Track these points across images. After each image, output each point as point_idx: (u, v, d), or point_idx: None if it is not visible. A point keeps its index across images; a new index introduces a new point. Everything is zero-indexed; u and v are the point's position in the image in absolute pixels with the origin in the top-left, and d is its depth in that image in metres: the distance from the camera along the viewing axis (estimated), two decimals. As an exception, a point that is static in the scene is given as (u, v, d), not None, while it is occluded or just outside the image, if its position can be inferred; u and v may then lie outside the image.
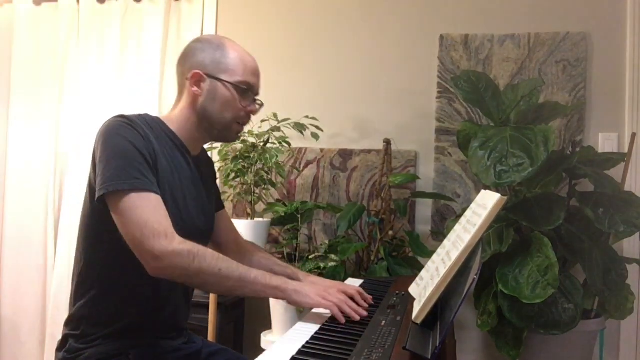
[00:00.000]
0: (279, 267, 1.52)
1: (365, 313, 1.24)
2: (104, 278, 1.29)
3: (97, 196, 1.19)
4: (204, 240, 1.42)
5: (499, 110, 2.18)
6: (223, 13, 2.82)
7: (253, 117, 1.44)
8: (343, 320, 1.21)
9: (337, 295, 1.28)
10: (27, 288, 2.90)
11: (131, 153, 1.21)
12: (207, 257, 1.20)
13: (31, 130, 2.95)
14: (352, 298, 1.30)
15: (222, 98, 1.34)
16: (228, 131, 1.38)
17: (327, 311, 1.26)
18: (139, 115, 1.32)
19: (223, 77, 1.33)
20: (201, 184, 1.43)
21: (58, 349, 1.32)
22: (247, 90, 1.36)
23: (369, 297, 1.40)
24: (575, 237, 2.06)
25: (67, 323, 1.32)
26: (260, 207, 2.51)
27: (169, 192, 1.27)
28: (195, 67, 1.34)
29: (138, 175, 1.19)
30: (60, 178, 2.90)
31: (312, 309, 1.32)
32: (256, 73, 1.39)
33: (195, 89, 1.34)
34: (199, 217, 1.39)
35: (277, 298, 1.28)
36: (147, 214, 1.17)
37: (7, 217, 2.96)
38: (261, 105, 1.43)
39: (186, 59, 1.37)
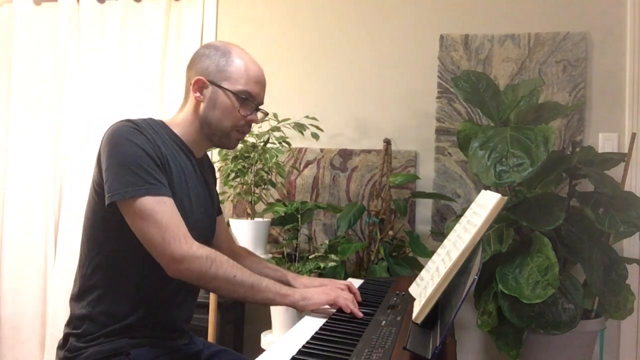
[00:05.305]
0: (269, 270, 1.55)
1: (361, 314, 1.29)
2: (108, 278, 1.29)
3: (109, 201, 1.21)
4: (206, 243, 1.42)
5: (499, 110, 2.18)
6: (223, 13, 2.82)
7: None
8: (349, 309, 1.28)
9: (337, 289, 1.36)
10: (27, 288, 2.90)
11: (142, 158, 1.23)
12: (224, 264, 1.25)
13: (31, 131, 2.94)
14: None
15: (222, 105, 1.35)
16: (227, 138, 1.40)
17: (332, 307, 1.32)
18: (144, 120, 1.33)
19: (225, 84, 1.35)
20: (206, 187, 1.45)
21: (59, 347, 1.32)
22: (248, 100, 1.37)
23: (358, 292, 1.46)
24: (575, 237, 2.06)
25: (69, 323, 1.33)
26: (260, 207, 2.51)
27: (177, 195, 1.29)
28: (199, 74, 1.36)
29: (152, 180, 1.22)
30: (60, 178, 2.90)
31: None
32: (260, 82, 1.40)
33: (197, 94, 1.36)
34: (203, 219, 1.41)
35: (286, 305, 1.33)
36: (166, 218, 1.20)
37: (7, 217, 2.96)
38: (265, 114, 1.45)
39: (193, 65, 1.40)
